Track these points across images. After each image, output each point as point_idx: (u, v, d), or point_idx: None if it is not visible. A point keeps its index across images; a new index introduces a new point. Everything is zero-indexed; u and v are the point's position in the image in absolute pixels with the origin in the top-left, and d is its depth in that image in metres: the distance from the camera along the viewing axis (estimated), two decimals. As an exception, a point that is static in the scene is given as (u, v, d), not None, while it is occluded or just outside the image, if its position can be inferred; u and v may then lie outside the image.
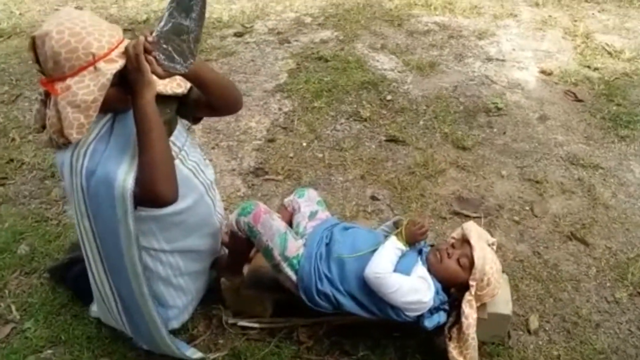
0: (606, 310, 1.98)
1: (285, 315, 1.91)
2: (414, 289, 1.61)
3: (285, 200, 1.96)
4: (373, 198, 2.46)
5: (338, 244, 1.72)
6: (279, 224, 1.72)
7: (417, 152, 2.71)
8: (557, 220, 2.32)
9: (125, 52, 1.34)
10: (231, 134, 2.90)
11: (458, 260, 1.69)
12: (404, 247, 1.69)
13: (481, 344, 1.82)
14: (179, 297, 1.79)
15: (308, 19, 4.03)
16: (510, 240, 2.24)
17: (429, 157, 2.66)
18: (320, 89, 3.17)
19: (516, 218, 2.34)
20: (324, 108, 3.02)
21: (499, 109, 2.98)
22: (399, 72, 3.34)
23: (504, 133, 2.82)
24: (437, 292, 1.66)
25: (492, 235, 2.24)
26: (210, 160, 2.75)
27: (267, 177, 2.60)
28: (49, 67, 1.33)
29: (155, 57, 1.34)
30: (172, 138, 1.61)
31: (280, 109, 3.06)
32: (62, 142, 1.40)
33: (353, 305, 1.68)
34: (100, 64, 1.32)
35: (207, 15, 1.37)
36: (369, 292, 1.64)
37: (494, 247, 1.87)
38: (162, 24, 1.33)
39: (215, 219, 1.82)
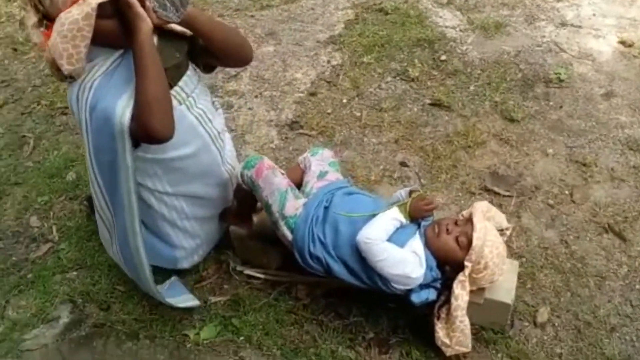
0: (627, 315, 1.82)
1: (291, 270, 1.94)
2: (402, 261, 1.57)
3: (300, 157, 1.95)
4: (402, 164, 2.38)
5: (336, 208, 1.70)
6: (280, 180, 1.72)
7: (460, 120, 2.57)
8: (597, 209, 2.14)
9: None
10: (276, 83, 2.89)
11: (457, 238, 1.61)
12: (403, 220, 1.64)
13: (480, 329, 1.76)
14: (186, 240, 1.86)
15: (378, -33, 3.83)
16: (539, 225, 2.10)
17: (471, 127, 2.52)
18: (373, 43, 3.05)
19: (551, 202, 2.18)
20: (372, 64, 2.92)
21: (561, 80, 2.72)
22: (460, 30, 3.13)
23: (561, 107, 2.59)
24: (430, 269, 1.61)
25: (519, 217, 2.13)
26: (250, 109, 2.78)
27: (301, 131, 2.59)
28: (46, 4, 1.38)
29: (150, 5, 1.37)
30: (180, 83, 1.62)
31: (328, 62, 2.99)
32: (57, 75, 1.45)
33: (343, 271, 1.67)
34: None
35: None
36: (360, 259, 1.62)
37: (508, 233, 1.77)
38: None
39: (223, 169, 1.84)
